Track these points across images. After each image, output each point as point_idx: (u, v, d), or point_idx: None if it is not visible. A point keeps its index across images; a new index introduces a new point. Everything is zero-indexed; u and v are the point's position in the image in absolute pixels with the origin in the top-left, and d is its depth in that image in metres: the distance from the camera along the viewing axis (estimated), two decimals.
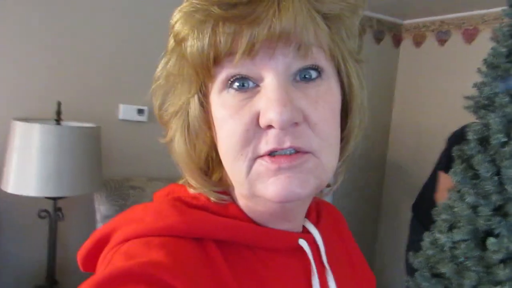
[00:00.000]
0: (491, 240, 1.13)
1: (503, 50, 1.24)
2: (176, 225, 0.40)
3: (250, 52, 0.36)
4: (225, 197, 0.44)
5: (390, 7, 2.42)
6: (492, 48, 1.30)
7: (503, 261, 1.13)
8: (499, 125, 1.16)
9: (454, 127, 1.67)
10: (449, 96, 2.31)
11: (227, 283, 0.39)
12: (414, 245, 1.48)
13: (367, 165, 2.69)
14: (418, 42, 2.62)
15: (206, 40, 0.37)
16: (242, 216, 0.44)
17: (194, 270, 0.38)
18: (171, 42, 0.41)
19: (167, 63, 0.43)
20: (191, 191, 0.45)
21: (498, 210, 1.16)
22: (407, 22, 2.68)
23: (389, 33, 2.66)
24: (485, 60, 1.28)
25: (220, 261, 0.40)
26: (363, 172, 2.67)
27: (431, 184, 1.75)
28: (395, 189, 2.74)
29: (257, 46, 0.36)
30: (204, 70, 0.38)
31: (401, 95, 2.73)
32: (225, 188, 0.45)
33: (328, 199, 2.67)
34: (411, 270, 1.34)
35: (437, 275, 1.20)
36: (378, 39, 2.63)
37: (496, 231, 1.14)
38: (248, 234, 0.43)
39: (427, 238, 1.26)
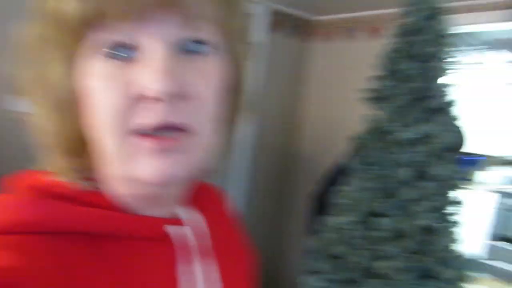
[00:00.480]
0: (383, 221, 1.23)
1: (397, 46, 1.36)
2: (28, 219, 0.35)
3: (128, 15, 0.32)
4: (91, 183, 0.39)
5: (300, 3, 2.52)
6: (387, 44, 1.41)
7: (393, 239, 1.25)
8: (391, 114, 1.27)
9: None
10: (356, 91, 2.46)
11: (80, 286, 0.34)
12: (311, 229, 1.58)
13: (278, 159, 2.78)
14: (328, 38, 2.75)
15: None
16: (109, 204, 0.39)
17: (46, 274, 0.33)
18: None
19: (29, 24, 0.36)
20: (52, 177, 0.39)
21: (390, 193, 1.27)
22: (317, 18, 2.80)
23: (299, 29, 2.76)
24: (381, 56, 1.39)
25: (79, 260, 0.35)
26: (273, 166, 2.76)
27: (331, 176, 1.87)
28: (306, 182, 2.86)
29: (136, 9, 0.32)
30: (72, 32, 0.34)
31: (311, 90, 2.85)
32: (91, 173, 0.40)
33: (235, 191, 2.65)
34: (308, 254, 1.42)
35: (333, 256, 1.29)
36: (289, 34, 2.71)
37: (388, 212, 1.26)
38: (116, 223, 0.38)
39: (323, 221, 1.35)
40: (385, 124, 1.28)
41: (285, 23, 2.66)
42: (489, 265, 4.79)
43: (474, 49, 3.39)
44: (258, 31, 2.44)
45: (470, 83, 4.85)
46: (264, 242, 2.73)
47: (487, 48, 3.37)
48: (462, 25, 2.31)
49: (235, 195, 2.50)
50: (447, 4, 1.37)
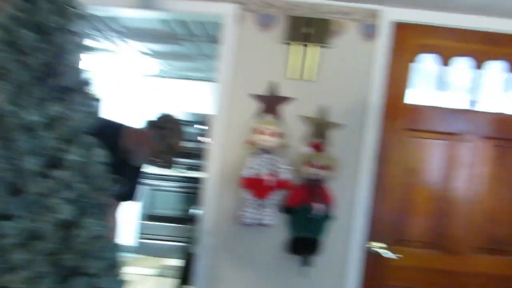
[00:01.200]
0: (7, 225, 1.00)
1: (14, 11, 1.13)
2: None
3: None
4: None
5: None
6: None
7: (24, 244, 1.04)
8: (10, 94, 1.04)
9: None
10: None
11: None
12: None
13: None
14: None
15: None
16: None
17: None
18: None
19: None
20: None
21: (16, 189, 1.05)
22: None
23: None
24: None
25: None
26: None
27: None
28: None
29: None
30: None
31: None
32: None
33: None
34: None
35: None
36: None
37: (14, 213, 1.03)
38: None
39: None
40: (3, 106, 1.03)
41: None
42: (142, 244, 5.19)
43: (111, 35, 3.48)
44: None
45: (108, 67, 5.06)
46: None
47: (123, 35, 3.53)
48: (97, 6, 2.29)
49: None
50: None
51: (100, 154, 1.22)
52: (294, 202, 2.15)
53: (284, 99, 2.26)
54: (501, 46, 2.24)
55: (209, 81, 5.67)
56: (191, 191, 4.96)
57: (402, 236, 2.25)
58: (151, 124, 1.98)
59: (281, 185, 2.11)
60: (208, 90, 5.57)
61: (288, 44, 2.25)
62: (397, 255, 2.19)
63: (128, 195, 2.14)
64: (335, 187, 2.20)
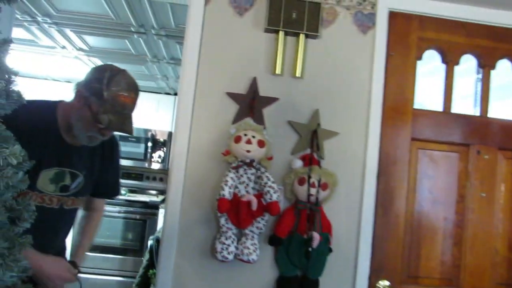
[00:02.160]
0: None
1: None
2: None
3: None
4: None
5: None
6: None
7: None
8: None
9: None
10: None
11: None
12: None
13: None
14: None
15: None
16: None
17: None
18: None
19: None
20: None
21: None
22: None
23: None
24: None
25: None
26: None
27: None
28: None
29: None
30: None
31: None
32: None
33: None
34: None
35: None
36: None
37: None
38: None
39: None
40: None
41: None
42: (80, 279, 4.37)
43: (36, 19, 2.81)
44: None
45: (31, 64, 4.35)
46: None
47: (51, 20, 2.86)
48: None
49: None
50: None
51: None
52: (284, 230, 1.67)
53: (267, 100, 1.79)
54: None
55: (160, 92, 5.10)
56: (143, 218, 4.28)
57: (412, 272, 1.83)
58: (82, 84, 1.40)
59: (268, 208, 1.62)
60: (161, 102, 4.99)
61: (270, 32, 1.81)
62: None
63: (103, 187, 1.65)
64: (333, 211, 1.75)
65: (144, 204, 4.32)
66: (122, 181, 1.81)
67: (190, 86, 1.77)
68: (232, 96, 1.78)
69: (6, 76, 0.94)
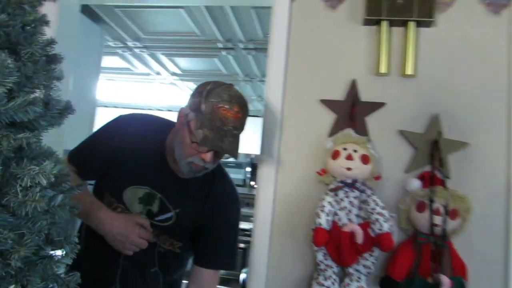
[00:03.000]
0: None
1: None
2: None
3: None
4: None
5: None
6: None
7: None
8: None
9: None
10: None
11: None
12: None
13: None
14: None
15: None
16: None
17: None
18: None
19: None
20: None
21: None
22: None
23: None
24: None
25: None
26: None
27: None
28: None
29: None
30: None
31: None
32: None
33: None
34: None
35: None
36: None
37: None
38: None
39: None
40: None
41: None
42: None
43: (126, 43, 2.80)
44: None
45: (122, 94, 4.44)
46: None
47: (141, 43, 2.81)
48: None
49: None
50: None
51: None
52: (400, 272, 1.29)
53: (371, 106, 1.46)
54: None
55: (257, 115, 4.96)
56: (243, 246, 4.06)
57: None
58: (189, 104, 1.18)
59: (378, 242, 1.27)
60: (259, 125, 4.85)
61: (370, 24, 1.49)
62: None
63: (207, 252, 1.29)
64: (467, 247, 1.33)
65: (244, 232, 4.13)
66: None
67: (277, 96, 1.52)
68: (327, 103, 1.48)
69: (44, 82, 0.77)
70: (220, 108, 1.10)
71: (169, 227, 1.25)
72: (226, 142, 1.10)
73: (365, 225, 1.30)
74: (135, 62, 3.30)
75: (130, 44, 2.81)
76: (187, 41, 2.67)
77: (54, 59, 0.84)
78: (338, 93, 1.48)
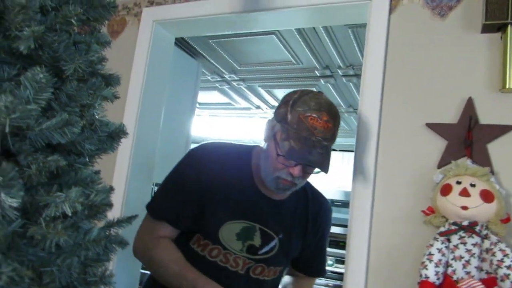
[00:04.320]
0: None
1: None
2: None
3: None
4: None
5: None
6: None
7: None
8: None
9: None
10: None
11: None
12: None
13: None
14: None
15: None
16: None
17: None
18: None
19: None
20: None
21: None
22: None
23: None
24: None
25: None
26: None
27: None
28: None
29: None
30: None
31: None
32: None
33: None
34: None
35: None
36: None
37: None
38: None
39: None
40: None
41: None
42: None
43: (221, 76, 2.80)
44: None
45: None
46: None
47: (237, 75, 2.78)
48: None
49: None
50: None
51: None
52: None
53: (494, 130, 1.17)
54: None
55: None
56: None
57: None
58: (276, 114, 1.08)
59: None
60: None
61: (491, 30, 1.22)
62: None
63: (304, 261, 1.25)
64: None
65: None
66: (329, 250, 1.43)
67: (372, 122, 1.31)
68: (435, 128, 1.23)
69: (89, 101, 0.70)
70: (307, 117, 1.00)
71: (273, 257, 1.13)
72: (315, 154, 0.98)
73: (490, 281, 1.00)
74: (235, 96, 3.32)
75: (227, 77, 2.83)
76: (283, 70, 2.59)
77: (110, 79, 0.78)
78: (449, 115, 1.22)
